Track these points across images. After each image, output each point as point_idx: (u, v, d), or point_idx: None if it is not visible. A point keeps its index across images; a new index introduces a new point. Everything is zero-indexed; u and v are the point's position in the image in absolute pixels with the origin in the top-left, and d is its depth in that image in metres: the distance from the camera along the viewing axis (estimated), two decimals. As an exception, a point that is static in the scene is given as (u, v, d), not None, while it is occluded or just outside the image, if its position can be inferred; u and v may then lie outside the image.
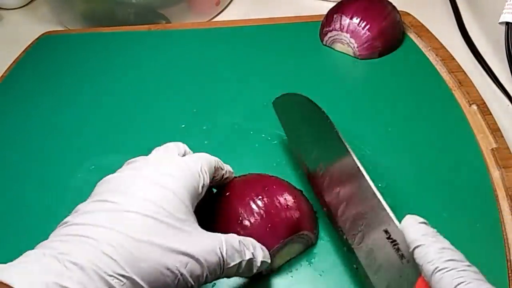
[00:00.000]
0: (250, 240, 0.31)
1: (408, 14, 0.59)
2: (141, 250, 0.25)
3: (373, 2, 0.53)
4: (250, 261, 0.30)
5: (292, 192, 0.35)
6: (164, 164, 0.30)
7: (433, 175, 0.41)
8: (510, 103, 0.49)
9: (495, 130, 0.43)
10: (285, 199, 0.34)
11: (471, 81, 0.49)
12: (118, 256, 0.25)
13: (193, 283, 0.27)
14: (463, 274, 0.24)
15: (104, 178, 0.30)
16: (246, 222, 0.33)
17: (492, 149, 0.42)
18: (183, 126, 0.47)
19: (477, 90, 0.48)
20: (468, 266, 0.25)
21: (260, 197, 0.34)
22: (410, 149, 0.43)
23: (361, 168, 0.33)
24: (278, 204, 0.33)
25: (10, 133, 0.49)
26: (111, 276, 0.24)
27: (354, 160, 0.34)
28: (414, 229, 0.27)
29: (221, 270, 0.28)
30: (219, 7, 0.68)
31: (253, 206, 0.33)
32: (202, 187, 0.31)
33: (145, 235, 0.26)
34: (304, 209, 0.35)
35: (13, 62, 0.59)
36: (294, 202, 0.34)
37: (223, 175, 0.35)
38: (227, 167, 0.36)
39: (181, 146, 0.34)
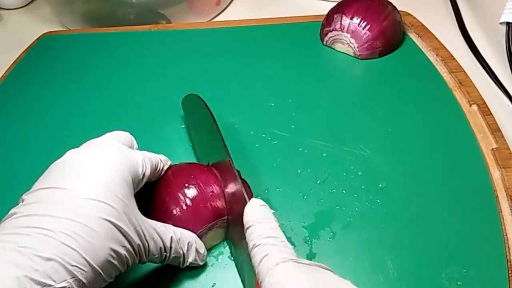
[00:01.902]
0: (188, 239, 0.33)
1: (409, 14, 0.59)
2: (96, 237, 0.26)
3: (374, 2, 0.53)
4: (177, 258, 0.32)
5: (218, 180, 0.36)
6: (111, 149, 0.31)
7: (433, 175, 0.41)
8: (510, 103, 0.49)
9: (495, 130, 0.43)
10: (210, 186, 0.35)
11: (472, 81, 0.49)
12: (78, 245, 0.25)
13: (127, 267, 0.29)
14: (271, 248, 0.26)
15: (51, 165, 0.30)
16: (172, 211, 0.34)
17: (492, 149, 0.42)
18: (183, 126, 0.47)
19: (477, 90, 0.48)
20: (282, 242, 0.27)
21: (186, 185, 0.35)
22: (410, 149, 0.43)
23: (231, 163, 0.34)
24: (203, 192, 0.35)
25: (10, 133, 0.49)
26: (74, 266, 0.25)
27: (228, 157, 0.35)
28: (251, 212, 0.29)
29: (140, 259, 0.30)
30: (219, 7, 0.68)
31: (179, 195, 0.35)
32: (143, 175, 0.32)
33: (98, 222, 0.26)
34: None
35: (14, 62, 0.59)
36: (219, 189, 0.36)
37: (162, 168, 0.36)
38: (165, 159, 0.37)
39: (128, 137, 0.35)
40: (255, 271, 0.26)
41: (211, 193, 0.35)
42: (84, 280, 0.25)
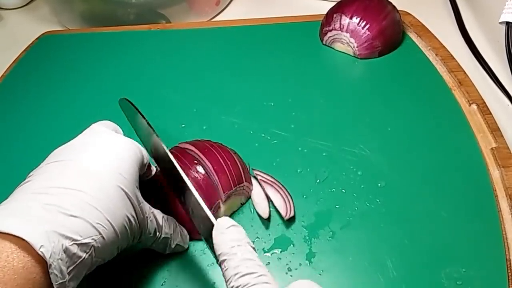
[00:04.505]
0: (172, 221, 0.34)
1: (408, 13, 0.59)
2: (114, 203, 0.27)
3: (373, 1, 0.53)
4: (165, 239, 0.33)
5: (227, 151, 0.39)
6: (112, 135, 0.32)
7: (433, 174, 0.41)
8: (510, 102, 0.49)
9: (495, 130, 0.43)
10: (223, 157, 0.38)
11: (471, 81, 0.49)
12: (101, 207, 0.26)
13: (132, 241, 0.30)
14: None
15: (58, 148, 0.30)
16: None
17: (492, 149, 0.42)
18: (183, 126, 0.47)
19: (476, 90, 0.48)
20: (259, 276, 0.25)
21: (195, 162, 0.37)
22: (410, 149, 0.43)
23: (178, 168, 0.32)
24: (218, 162, 0.37)
25: (10, 133, 0.49)
26: (98, 224, 0.26)
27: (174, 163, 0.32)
28: (221, 239, 0.27)
29: (140, 235, 0.30)
30: (219, 7, 0.68)
31: (191, 171, 0.36)
32: (146, 161, 0.33)
33: (116, 190, 0.27)
34: (240, 164, 0.39)
35: (13, 62, 0.59)
36: (232, 158, 0.38)
37: (152, 170, 0.36)
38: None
39: (115, 126, 0.35)
40: None
41: (227, 163, 0.37)
42: (106, 239, 0.26)
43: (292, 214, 0.37)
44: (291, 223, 0.38)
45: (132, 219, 0.28)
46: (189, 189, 0.30)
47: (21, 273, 0.22)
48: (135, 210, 0.29)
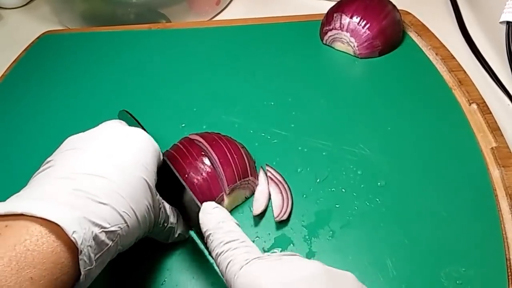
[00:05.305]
0: (176, 212, 0.34)
1: (408, 13, 0.59)
2: (138, 191, 0.27)
3: (373, 1, 0.53)
4: (170, 228, 0.33)
5: (235, 145, 0.40)
6: (131, 127, 0.32)
7: (433, 174, 0.41)
8: (510, 102, 0.49)
9: (495, 129, 0.43)
10: (230, 150, 0.38)
11: (471, 80, 0.49)
12: (125, 194, 0.26)
13: (148, 230, 0.30)
14: (233, 253, 0.26)
15: (71, 137, 0.30)
16: (193, 180, 0.36)
17: (492, 148, 0.42)
18: (183, 125, 0.47)
19: (477, 89, 0.48)
20: (242, 242, 0.26)
21: (202, 153, 0.38)
22: (410, 148, 0.43)
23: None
24: (225, 155, 0.38)
25: (10, 133, 0.49)
26: (124, 212, 0.26)
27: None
28: (207, 218, 0.28)
29: (154, 225, 0.31)
30: (219, 7, 0.68)
31: (205, 159, 0.37)
32: (161, 156, 0.33)
33: (140, 179, 0.28)
34: (247, 158, 0.39)
35: (13, 61, 0.59)
36: (239, 151, 0.39)
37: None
38: None
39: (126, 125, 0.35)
40: (224, 280, 0.26)
41: (233, 157, 0.37)
42: (130, 227, 0.26)
43: (284, 218, 0.37)
44: (291, 223, 0.38)
45: (151, 209, 0.29)
46: (183, 188, 0.32)
47: (50, 258, 0.22)
48: (153, 201, 0.29)
